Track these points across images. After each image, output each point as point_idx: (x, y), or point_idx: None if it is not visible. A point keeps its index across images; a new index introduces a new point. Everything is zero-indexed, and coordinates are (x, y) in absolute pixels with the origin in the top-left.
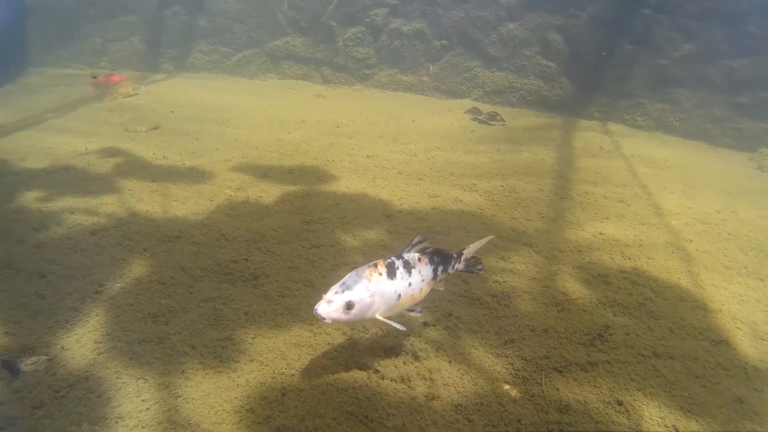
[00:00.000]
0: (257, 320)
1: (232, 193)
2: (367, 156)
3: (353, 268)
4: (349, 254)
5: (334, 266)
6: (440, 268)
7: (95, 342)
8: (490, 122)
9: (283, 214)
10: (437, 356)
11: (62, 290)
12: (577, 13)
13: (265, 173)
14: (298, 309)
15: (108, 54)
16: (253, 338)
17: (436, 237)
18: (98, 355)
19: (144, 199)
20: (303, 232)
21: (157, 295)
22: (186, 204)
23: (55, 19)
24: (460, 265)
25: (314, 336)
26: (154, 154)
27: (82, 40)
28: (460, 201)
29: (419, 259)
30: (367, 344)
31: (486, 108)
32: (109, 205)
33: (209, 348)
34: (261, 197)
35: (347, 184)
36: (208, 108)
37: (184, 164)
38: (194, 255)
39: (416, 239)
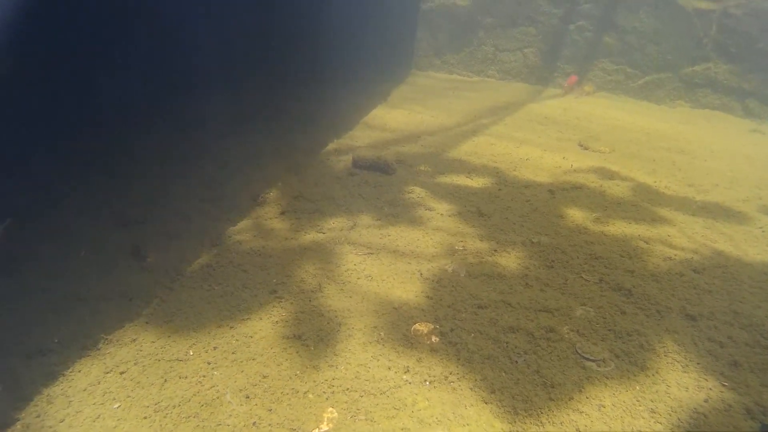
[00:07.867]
0: None
1: None
2: None
3: None
4: None
5: None
6: None
7: None
8: None
9: None
10: None
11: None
12: None
13: None
14: None
15: (497, 63)
16: None
17: None
18: None
19: (708, 237)
20: None
21: None
22: (753, 248)
23: (450, 25)
24: None
25: None
26: (655, 182)
27: (473, 48)
28: None
29: None
30: None
31: None
32: (675, 238)
33: None
34: None
35: None
36: (644, 132)
37: (694, 198)
38: None
39: None
